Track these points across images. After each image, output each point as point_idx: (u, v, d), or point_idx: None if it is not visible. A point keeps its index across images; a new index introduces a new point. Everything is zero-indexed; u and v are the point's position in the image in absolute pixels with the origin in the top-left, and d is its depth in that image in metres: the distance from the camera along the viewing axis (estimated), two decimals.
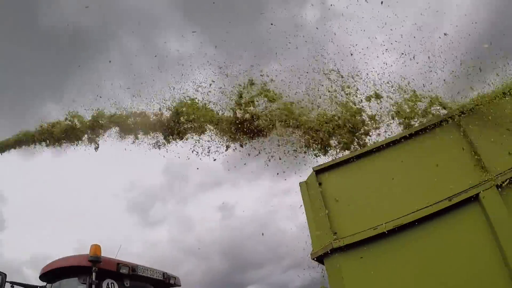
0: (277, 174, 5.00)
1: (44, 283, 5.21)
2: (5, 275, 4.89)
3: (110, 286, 4.83)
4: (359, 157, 3.56)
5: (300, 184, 3.81)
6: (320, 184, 3.57)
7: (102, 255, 4.70)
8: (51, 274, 5.05)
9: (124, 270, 4.98)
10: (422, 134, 3.40)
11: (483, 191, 2.90)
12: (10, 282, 5.06)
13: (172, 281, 5.80)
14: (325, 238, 3.31)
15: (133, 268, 5.09)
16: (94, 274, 4.48)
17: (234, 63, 5.03)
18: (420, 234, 3.00)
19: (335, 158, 4.21)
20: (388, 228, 3.05)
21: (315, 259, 3.45)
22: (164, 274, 5.65)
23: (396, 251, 3.04)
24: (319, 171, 3.62)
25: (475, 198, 2.93)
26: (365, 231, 3.13)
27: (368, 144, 4.18)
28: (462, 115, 3.34)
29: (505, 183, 2.90)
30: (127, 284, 5.09)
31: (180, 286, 6.06)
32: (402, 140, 3.44)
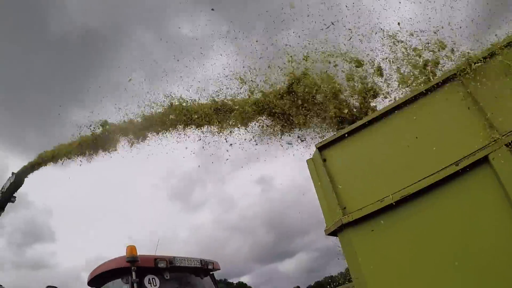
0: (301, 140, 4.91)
1: None
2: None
3: (151, 281, 5.17)
4: (359, 128, 3.45)
5: (307, 161, 3.79)
6: (324, 160, 3.53)
7: (143, 252, 5.19)
8: (97, 279, 5.53)
9: (162, 264, 5.31)
10: (423, 97, 3.19)
11: (492, 152, 2.75)
12: None
13: (210, 266, 6.04)
14: (335, 214, 3.31)
15: (170, 260, 5.42)
16: (134, 273, 4.85)
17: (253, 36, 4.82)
18: (429, 203, 2.91)
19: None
20: (395, 199, 2.98)
21: (329, 234, 3.48)
22: (201, 261, 5.91)
23: (406, 221, 2.99)
24: (322, 147, 3.57)
25: (484, 160, 2.78)
26: (372, 204, 3.09)
27: (370, 113, 4.03)
28: (466, 70, 3.11)
29: None
30: (167, 276, 5.39)
31: (219, 269, 6.32)
32: (403, 106, 3.27)
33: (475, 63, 3.11)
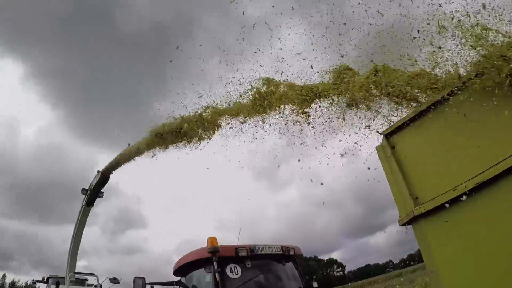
0: None
1: (178, 278, 6.00)
2: (144, 279, 5.91)
3: (233, 270, 5.33)
4: (428, 110, 3.19)
5: (376, 148, 3.63)
6: (393, 147, 3.37)
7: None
8: (181, 269, 5.87)
9: (243, 253, 5.39)
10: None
11: None
12: (149, 283, 5.94)
13: (292, 253, 5.99)
14: (407, 204, 3.17)
15: (251, 249, 5.49)
16: (215, 263, 5.07)
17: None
18: (506, 189, 2.61)
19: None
20: (469, 187, 2.75)
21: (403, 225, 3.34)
22: (282, 247, 5.88)
23: (482, 210, 2.74)
24: (390, 134, 3.41)
25: None
26: (444, 194, 2.89)
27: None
28: None
29: None
30: (248, 265, 5.49)
31: (301, 254, 6.32)
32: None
33: None
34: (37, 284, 17.08)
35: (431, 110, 3.18)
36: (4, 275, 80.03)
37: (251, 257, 5.53)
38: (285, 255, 5.94)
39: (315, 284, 6.17)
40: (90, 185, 10.27)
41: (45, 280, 16.42)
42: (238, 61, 5.46)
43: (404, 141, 3.36)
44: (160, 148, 6.64)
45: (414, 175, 3.21)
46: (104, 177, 9.87)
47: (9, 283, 78.46)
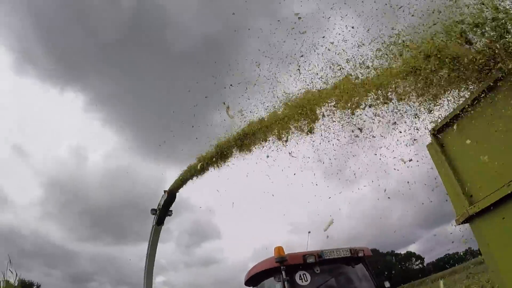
0: None
1: None
2: None
3: (302, 277, 5.43)
4: (474, 103, 3.07)
5: (427, 146, 3.58)
6: (442, 145, 3.33)
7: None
8: (252, 279, 6.08)
9: (311, 260, 5.48)
10: None
11: None
12: None
13: (360, 254, 5.94)
14: (462, 204, 3.16)
15: (318, 254, 5.55)
16: (283, 272, 5.22)
17: None
18: None
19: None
20: None
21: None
22: (351, 250, 5.84)
23: None
24: (438, 131, 3.37)
25: None
26: (498, 190, 2.84)
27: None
28: None
29: None
30: (317, 270, 5.56)
31: (370, 255, 6.26)
32: None
33: None
34: None
35: (478, 102, 3.07)
36: None
37: (319, 263, 5.57)
38: (354, 257, 5.90)
39: (387, 284, 6.13)
40: (158, 205, 10.58)
41: None
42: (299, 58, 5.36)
43: (453, 138, 3.29)
44: (241, 152, 6.50)
45: (467, 173, 3.13)
46: (171, 196, 10.09)
47: None
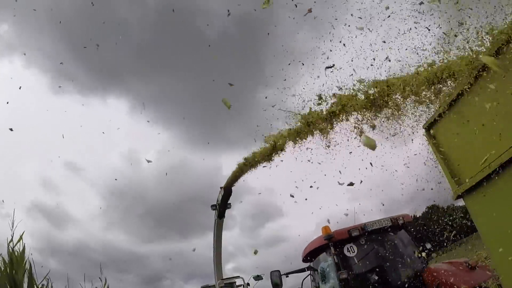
0: None
1: (307, 264, 7.17)
2: (279, 271, 7.07)
3: (350, 249, 6.20)
4: (458, 99, 3.53)
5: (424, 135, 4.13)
6: (434, 137, 3.87)
7: (337, 228, 6.33)
8: (308, 256, 7.01)
9: (355, 233, 6.22)
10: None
11: None
12: (285, 274, 7.12)
13: (401, 221, 6.47)
14: (452, 184, 3.70)
15: (362, 227, 6.25)
16: (332, 247, 6.10)
17: None
18: None
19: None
20: (497, 164, 3.10)
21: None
22: (391, 219, 6.41)
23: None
24: (429, 126, 3.90)
25: None
26: (479, 173, 3.33)
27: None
28: None
29: None
30: (362, 242, 6.28)
31: (410, 221, 6.78)
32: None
33: None
34: None
35: (461, 97, 3.53)
36: None
37: (363, 235, 6.30)
38: (395, 225, 6.47)
39: (428, 245, 6.62)
40: (217, 200, 11.43)
41: None
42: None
43: (442, 131, 3.83)
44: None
45: (454, 160, 3.70)
46: (227, 191, 10.84)
47: None
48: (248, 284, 13.61)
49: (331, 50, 5.54)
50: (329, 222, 7.45)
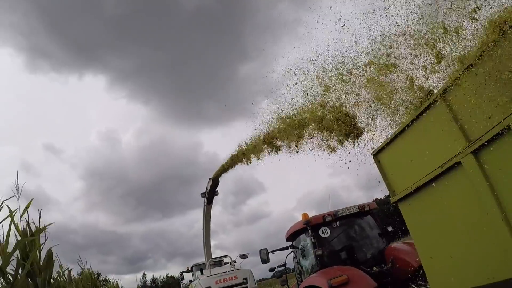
0: None
1: (290, 242, 8.67)
2: (267, 249, 8.78)
3: (323, 231, 7.74)
4: (396, 137, 4.78)
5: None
6: (379, 161, 5.14)
7: (312, 215, 7.80)
8: (290, 237, 8.54)
9: (328, 218, 7.72)
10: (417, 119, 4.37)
11: (462, 158, 3.85)
12: (272, 251, 8.86)
13: (367, 208, 8.01)
14: (391, 195, 5.03)
15: (334, 214, 7.78)
16: (309, 230, 7.64)
17: None
18: (435, 189, 4.28)
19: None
20: (416, 186, 4.46)
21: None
22: (358, 206, 7.93)
23: (426, 200, 4.46)
24: (377, 153, 5.14)
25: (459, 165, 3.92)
26: (406, 189, 4.65)
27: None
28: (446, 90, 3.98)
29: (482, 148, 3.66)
30: (334, 225, 7.80)
31: (375, 208, 8.32)
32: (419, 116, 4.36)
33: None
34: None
35: (400, 134, 4.74)
36: (144, 274, 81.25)
37: (335, 219, 7.82)
38: (362, 211, 7.95)
39: (390, 228, 8.11)
40: (206, 189, 13.13)
41: (190, 269, 19.76)
42: None
43: (386, 156, 5.08)
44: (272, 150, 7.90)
45: (391, 177, 5.01)
46: (215, 182, 12.44)
47: (150, 281, 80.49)
48: (234, 261, 15.32)
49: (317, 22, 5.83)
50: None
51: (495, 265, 3.74)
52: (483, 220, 3.75)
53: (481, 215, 3.77)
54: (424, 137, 4.41)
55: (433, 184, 4.31)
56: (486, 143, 3.63)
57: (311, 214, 7.90)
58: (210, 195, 13.09)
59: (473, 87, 3.73)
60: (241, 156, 9.25)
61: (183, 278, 21.04)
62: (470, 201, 3.89)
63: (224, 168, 10.48)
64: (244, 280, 13.86)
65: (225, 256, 17.68)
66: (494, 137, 3.53)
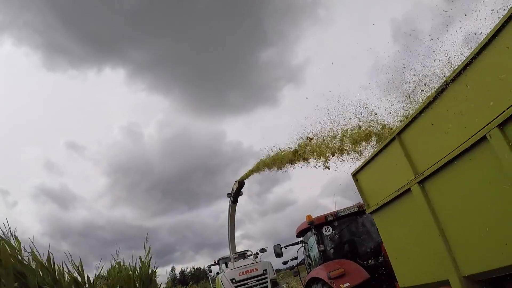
0: None
1: (300, 238, 10.00)
2: (280, 244, 10.13)
3: (326, 229, 8.93)
4: (371, 160, 5.84)
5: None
6: (357, 180, 6.32)
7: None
8: (299, 233, 9.87)
9: (330, 218, 8.93)
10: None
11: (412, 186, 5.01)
12: (285, 246, 10.20)
13: (365, 208, 9.08)
14: (366, 207, 6.22)
15: (335, 214, 8.94)
16: (313, 229, 8.92)
17: None
18: (400, 205, 5.43)
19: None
20: (387, 199, 5.53)
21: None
22: (358, 206, 8.95)
23: (396, 212, 5.51)
24: (356, 173, 6.30)
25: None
26: (377, 203, 5.82)
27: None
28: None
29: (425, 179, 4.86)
30: (336, 224, 8.96)
31: None
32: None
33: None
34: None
35: (374, 157, 5.82)
36: (173, 267, 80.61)
37: (337, 219, 9.01)
38: (361, 210, 8.81)
39: None
40: (231, 190, 14.30)
41: (217, 262, 21.10)
42: None
43: (362, 176, 6.22)
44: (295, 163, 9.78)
45: (366, 193, 6.18)
46: (240, 184, 13.74)
47: (179, 273, 79.56)
48: (257, 253, 16.75)
49: None
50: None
51: (434, 266, 4.93)
52: (424, 233, 4.91)
53: (423, 229, 4.93)
54: (386, 165, 5.58)
55: (393, 203, 5.48)
56: (428, 176, 4.75)
57: (338, 201, 9.25)
58: (235, 195, 14.34)
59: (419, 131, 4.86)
60: (269, 163, 10.43)
61: (210, 271, 22.12)
62: (417, 219, 5.02)
63: (251, 173, 11.67)
64: (264, 272, 15.02)
65: (247, 251, 19.35)
66: (434, 172, 4.63)
